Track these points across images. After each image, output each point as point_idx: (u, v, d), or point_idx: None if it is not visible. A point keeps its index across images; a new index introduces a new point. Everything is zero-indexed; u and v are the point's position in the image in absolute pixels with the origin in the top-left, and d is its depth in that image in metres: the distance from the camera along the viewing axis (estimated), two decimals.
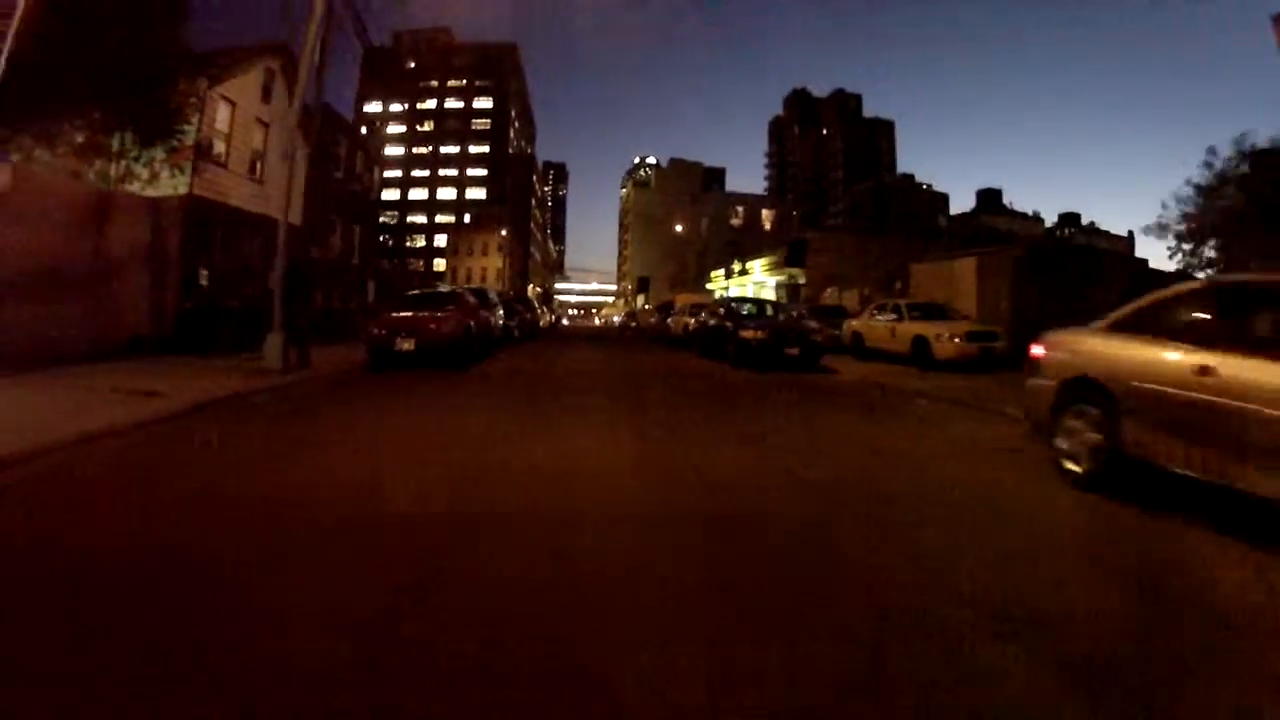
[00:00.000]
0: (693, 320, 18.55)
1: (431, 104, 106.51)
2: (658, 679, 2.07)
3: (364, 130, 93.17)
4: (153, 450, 5.33)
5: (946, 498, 4.43)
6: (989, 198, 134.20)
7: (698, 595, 2.74)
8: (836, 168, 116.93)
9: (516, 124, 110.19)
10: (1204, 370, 3.81)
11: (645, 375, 12.39)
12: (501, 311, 18.15)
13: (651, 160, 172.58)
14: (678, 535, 3.50)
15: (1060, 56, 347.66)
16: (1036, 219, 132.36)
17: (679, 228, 55.54)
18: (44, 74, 11.94)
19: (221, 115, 17.55)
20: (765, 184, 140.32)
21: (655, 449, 5.65)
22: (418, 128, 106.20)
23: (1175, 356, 4.05)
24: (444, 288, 21.18)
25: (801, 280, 29.68)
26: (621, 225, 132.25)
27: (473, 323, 12.33)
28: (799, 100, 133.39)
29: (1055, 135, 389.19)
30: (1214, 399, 3.72)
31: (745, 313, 15.21)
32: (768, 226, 49.29)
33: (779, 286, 32.76)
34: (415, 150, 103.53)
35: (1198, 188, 15.30)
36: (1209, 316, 4.17)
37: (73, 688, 1.98)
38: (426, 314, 11.66)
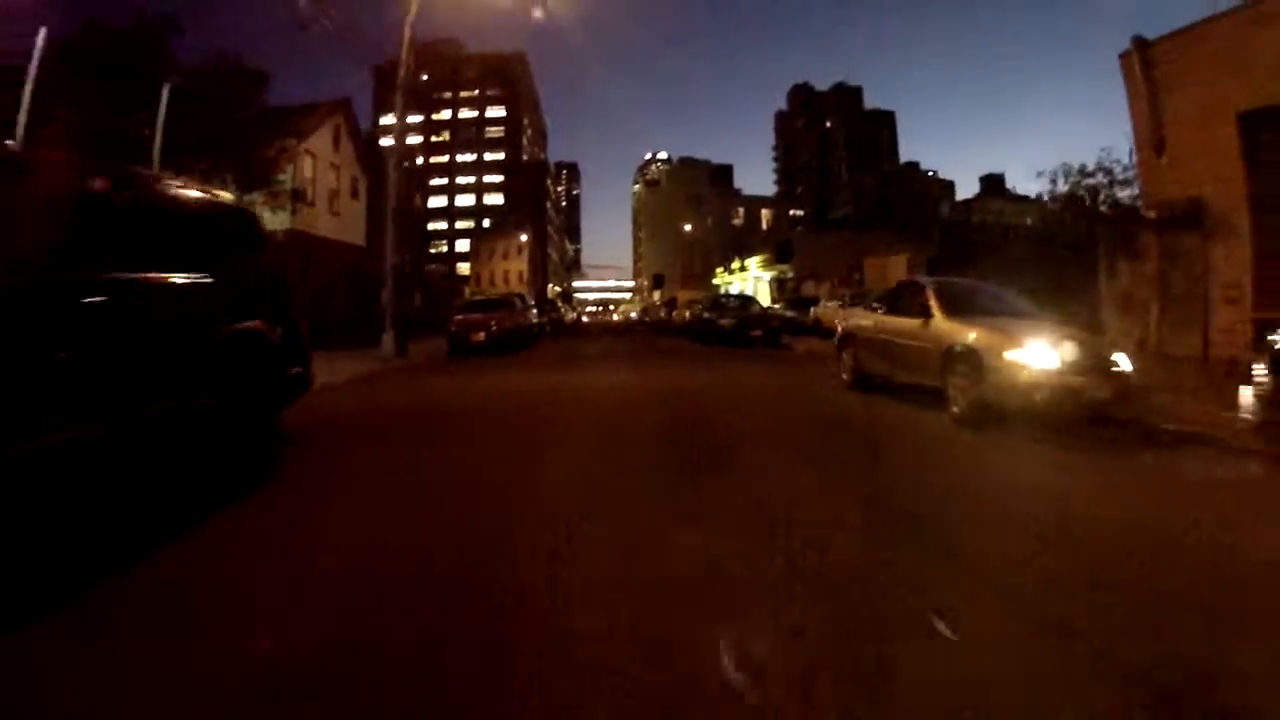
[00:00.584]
0: (688, 313, 23.23)
1: (446, 114, 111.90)
2: (634, 410, 6.65)
3: (382, 142, 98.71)
4: (365, 389, 9.95)
5: (782, 395, 8.99)
6: (992, 183, 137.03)
7: (650, 403, 7.31)
8: (840, 160, 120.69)
9: (529, 130, 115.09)
10: (879, 325, 8.29)
11: (645, 352, 17.07)
12: (535, 311, 22.85)
13: (663, 155, 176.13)
14: (644, 397, 8.09)
15: (1067, 41, 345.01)
16: (1039, 201, 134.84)
17: (687, 227, 60.08)
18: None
19: (307, 165, 22.40)
20: (774, 177, 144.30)
21: (641, 379, 10.30)
22: (433, 137, 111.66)
23: (874, 316, 8.53)
24: (471, 293, 25.79)
25: (790, 274, 34.12)
26: (635, 223, 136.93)
27: (521, 321, 17.04)
28: (802, 94, 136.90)
29: (1061, 117, 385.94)
30: (883, 338, 8.18)
31: (724, 306, 19.82)
32: (765, 225, 53.65)
33: (771, 280, 37.22)
34: (433, 159, 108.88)
35: (1055, 199, 19.32)
36: (891, 298, 8.65)
37: (421, 442, 6.61)
38: (488, 315, 16.39)
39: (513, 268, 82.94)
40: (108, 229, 3.46)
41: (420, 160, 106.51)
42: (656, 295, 78.71)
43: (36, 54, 13.85)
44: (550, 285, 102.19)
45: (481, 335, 15.48)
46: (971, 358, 6.23)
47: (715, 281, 51.07)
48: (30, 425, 2.76)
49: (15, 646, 2.21)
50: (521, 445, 5.85)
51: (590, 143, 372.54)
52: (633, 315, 72.03)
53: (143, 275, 3.60)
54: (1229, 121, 12.27)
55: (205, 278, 4.11)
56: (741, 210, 58.81)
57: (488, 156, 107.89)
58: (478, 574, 2.85)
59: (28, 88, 13.46)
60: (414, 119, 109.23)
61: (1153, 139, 14.15)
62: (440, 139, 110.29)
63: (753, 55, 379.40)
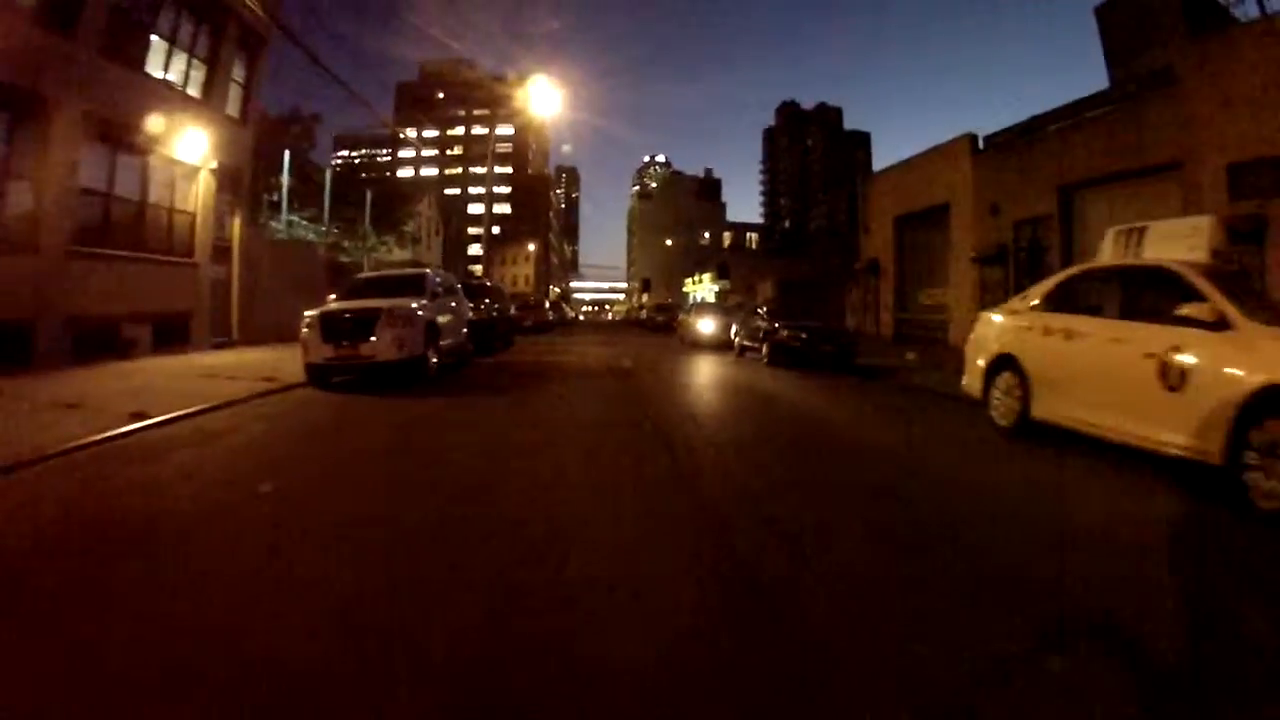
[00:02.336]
0: (644, 314, 38.91)
1: (459, 130, 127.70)
2: (598, 356, 22.26)
3: (400, 153, 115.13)
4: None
5: (650, 343, 24.56)
6: None
7: (604, 350, 22.86)
8: (817, 175, 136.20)
9: (534, 147, 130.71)
10: (685, 320, 23.84)
11: (615, 334, 32.68)
12: (551, 310, 38.33)
13: (661, 159, 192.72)
14: (601, 342, 23.63)
15: (1029, 66, 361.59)
16: None
17: (668, 242, 75.63)
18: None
19: (420, 218, 37.86)
20: (761, 188, 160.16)
21: (604, 339, 25.92)
22: (448, 151, 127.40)
23: (686, 316, 24.06)
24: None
25: (729, 288, 49.58)
26: (629, 230, 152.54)
27: (547, 316, 32.59)
28: (788, 111, 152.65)
29: None
30: (684, 323, 23.68)
31: (662, 309, 35.48)
32: (726, 244, 69.15)
33: (717, 292, 52.68)
34: (447, 171, 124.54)
35: None
36: (688, 309, 24.16)
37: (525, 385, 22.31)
38: (529, 311, 31.78)
39: (520, 272, 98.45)
40: (490, 295, 18.94)
41: (435, 171, 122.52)
42: (645, 298, 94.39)
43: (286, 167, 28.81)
44: (551, 286, 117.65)
45: (529, 321, 30.87)
46: (691, 326, 21.78)
47: (684, 290, 66.66)
48: (488, 326, 18.37)
49: (465, 370, 17.81)
50: (563, 346, 21.39)
51: (592, 142, 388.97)
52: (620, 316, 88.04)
53: (492, 303, 19.11)
54: (889, 221, 27.49)
55: (496, 305, 19.63)
56: (708, 234, 74.30)
57: (497, 169, 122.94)
58: (560, 354, 18.46)
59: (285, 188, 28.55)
60: (430, 133, 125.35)
61: (865, 225, 29.66)
62: (454, 152, 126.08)
63: (751, 71, 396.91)
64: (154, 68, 16.78)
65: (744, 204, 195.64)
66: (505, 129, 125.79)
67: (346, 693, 2.22)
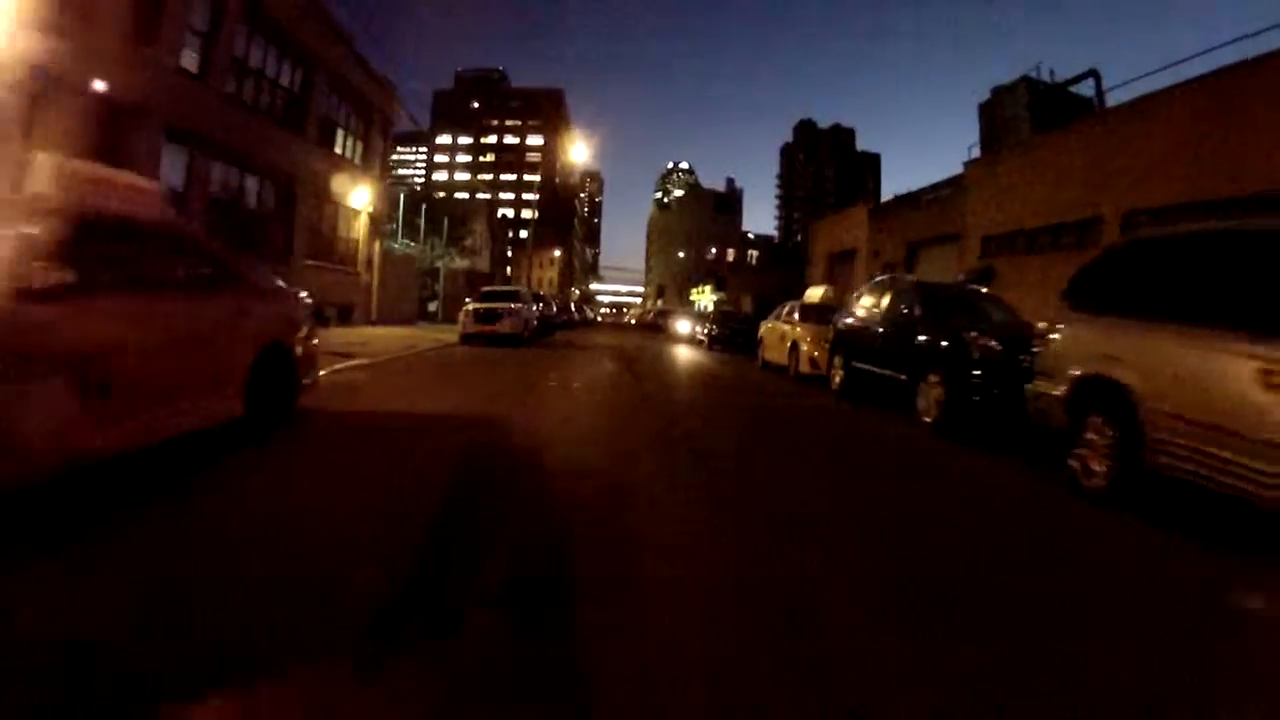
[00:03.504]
0: (650, 317, 50.06)
1: (492, 139, 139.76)
2: (607, 342, 33.39)
3: (436, 158, 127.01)
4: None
5: (647, 340, 35.65)
6: None
7: (611, 340, 33.93)
8: (830, 194, 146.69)
9: (561, 158, 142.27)
10: (668, 323, 34.78)
11: (623, 332, 43.74)
12: (575, 312, 49.49)
13: (685, 165, 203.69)
14: (615, 334, 34.62)
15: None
16: None
17: (680, 254, 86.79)
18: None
19: (477, 234, 49.12)
20: (776, 200, 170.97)
21: (616, 333, 36.99)
22: (480, 158, 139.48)
23: (667, 319, 35.01)
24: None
25: (725, 298, 60.55)
26: (648, 237, 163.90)
27: (575, 315, 43.82)
28: (805, 130, 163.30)
29: None
30: (667, 324, 34.63)
31: (662, 314, 46.58)
32: (729, 258, 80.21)
33: (715, 302, 63.62)
34: (479, 176, 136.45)
35: None
36: (668, 314, 35.17)
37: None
38: (560, 312, 42.92)
39: (545, 275, 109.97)
40: (543, 301, 30.06)
41: (468, 176, 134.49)
42: (659, 303, 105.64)
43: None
44: (572, 289, 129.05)
45: (559, 320, 41.89)
46: (672, 326, 32.72)
47: (691, 298, 77.91)
48: (544, 320, 29.55)
49: (536, 343, 28.99)
50: (585, 338, 32.37)
51: (618, 145, 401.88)
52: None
53: (544, 307, 30.19)
54: (824, 256, 38.38)
55: (545, 308, 30.69)
56: (714, 249, 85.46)
57: (526, 177, 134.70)
58: (583, 342, 29.55)
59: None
60: (464, 140, 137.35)
61: (808, 258, 40.56)
62: (486, 159, 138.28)
63: (774, 84, 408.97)
64: (337, 148, 27.92)
65: (764, 211, 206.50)
66: (535, 139, 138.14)
67: (541, 390, 13.32)
